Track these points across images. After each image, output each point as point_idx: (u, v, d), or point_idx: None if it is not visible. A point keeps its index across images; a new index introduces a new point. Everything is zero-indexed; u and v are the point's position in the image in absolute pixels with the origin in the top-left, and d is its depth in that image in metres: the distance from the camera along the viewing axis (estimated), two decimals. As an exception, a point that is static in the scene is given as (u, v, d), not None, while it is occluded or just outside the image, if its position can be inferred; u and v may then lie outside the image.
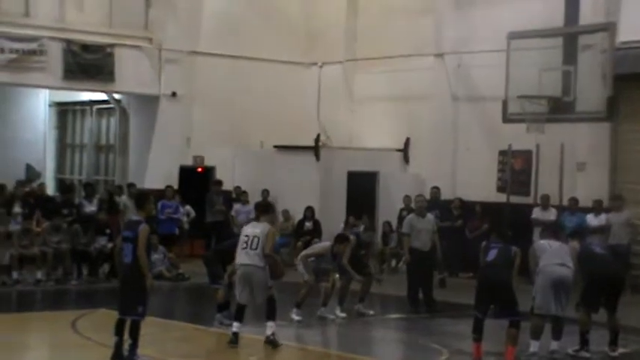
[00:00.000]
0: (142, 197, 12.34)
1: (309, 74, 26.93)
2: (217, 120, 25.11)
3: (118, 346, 11.45)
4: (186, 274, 20.85)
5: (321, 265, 15.87)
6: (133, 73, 23.91)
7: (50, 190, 24.83)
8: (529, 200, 21.98)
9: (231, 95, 25.33)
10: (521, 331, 12.45)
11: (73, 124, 27.43)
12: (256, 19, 25.94)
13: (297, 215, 23.80)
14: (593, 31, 21.01)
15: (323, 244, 16.74)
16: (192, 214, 23.48)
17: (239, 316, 13.08)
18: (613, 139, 21.24)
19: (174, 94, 24.54)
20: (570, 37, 21.42)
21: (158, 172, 24.16)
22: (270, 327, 13.04)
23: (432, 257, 17.59)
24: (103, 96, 25.37)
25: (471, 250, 19.52)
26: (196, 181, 24.91)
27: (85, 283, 19.74)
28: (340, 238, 16.13)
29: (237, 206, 23.82)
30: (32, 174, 25.34)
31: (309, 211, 23.40)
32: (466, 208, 22.52)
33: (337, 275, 16.20)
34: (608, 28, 20.42)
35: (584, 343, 13.11)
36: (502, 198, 22.44)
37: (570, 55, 21.13)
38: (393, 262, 23.17)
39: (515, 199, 22.10)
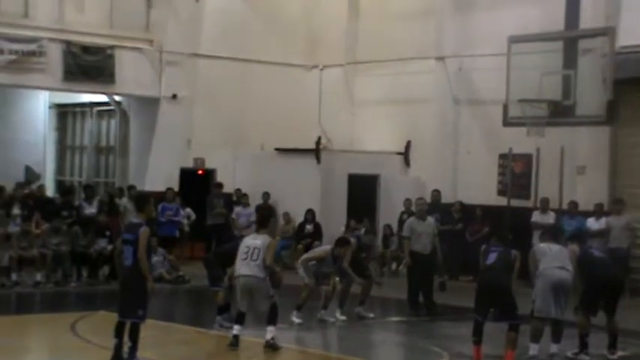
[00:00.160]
0: (142, 199, 12.32)
1: (310, 77, 26.90)
2: (218, 122, 25.11)
3: (118, 348, 11.42)
4: (187, 277, 20.83)
5: (322, 269, 15.87)
6: (133, 74, 23.88)
7: (50, 191, 24.75)
8: (529, 204, 21.98)
9: (231, 97, 25.32)
10: (521, 334, 12.46)
11: (73, 126, 27.38)
12: (257, 22, 25.93)
13: (298, 218, 23.81)
14: (593, 35, 21.04)
15: (323, 248, 16.74)
16: (193, 216, 23.47)
17: (240, 320, 13.09)
18: (613, 143, 21.26)
19: (174, 97, 24.52)
20: (570, 41, 21.45)
21: (158, 175, 24.14)
22: (270, 331, 13.03)
23: (433, 260, 17.62)
24: (103, 98, 25.35)
25: (471, 254, 19.39)
26: (197, 183, 24.88)
27: (84, 285, 19.70)
28: (341, 242, 16.11)
29: (237, 209, 23.79)
30: (31, 176, 25.28)
31: (310, 214, 23.40)
32: (466, 211, 22.49)
33: (337, 278, 16.19)
34: (608, 32, 20.43)
35: (584, 346, 13.12)
36: (502, 201, 22.47)
37: (570, 59, 21.16)
38: (394, 265, 23.19)
39: (515, 203, 22.12)
